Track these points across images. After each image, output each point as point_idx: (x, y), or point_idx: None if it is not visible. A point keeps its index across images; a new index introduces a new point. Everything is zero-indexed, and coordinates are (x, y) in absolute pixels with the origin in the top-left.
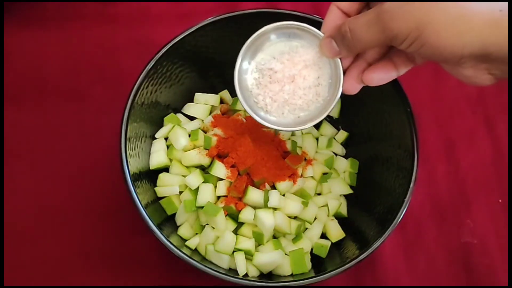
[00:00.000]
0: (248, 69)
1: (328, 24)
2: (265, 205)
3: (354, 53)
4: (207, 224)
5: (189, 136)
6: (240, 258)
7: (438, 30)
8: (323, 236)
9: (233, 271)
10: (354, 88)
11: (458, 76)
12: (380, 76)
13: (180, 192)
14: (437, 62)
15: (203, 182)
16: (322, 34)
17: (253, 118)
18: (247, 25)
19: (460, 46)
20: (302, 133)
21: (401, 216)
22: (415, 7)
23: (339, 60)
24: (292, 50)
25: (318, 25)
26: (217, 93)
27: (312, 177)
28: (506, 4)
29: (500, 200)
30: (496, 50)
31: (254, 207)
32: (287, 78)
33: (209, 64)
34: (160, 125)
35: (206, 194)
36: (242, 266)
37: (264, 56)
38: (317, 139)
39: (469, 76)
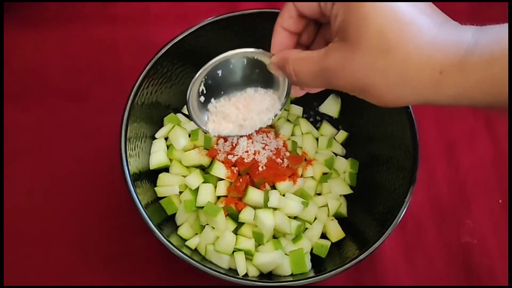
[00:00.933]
0: (202, 95)
1: (276, 45)
2: (265, 205)
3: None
4: (207, 224)
5: (189, 136)
6: (240, 258)
7: (381, 92)
8: (323, 236)
9: (233, 271)
10: (299, 94)
11: None
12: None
13: (180, 192)
14: None
15: (203, 182)
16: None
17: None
18: (247, 25)
19: (403, 103)
20: (302, 133)
21: (401, 216)
22: (356, 70)
23: None
24: (249, 97)
25: None
26: None
27: (312, 177)
28: (448, 63)
29: (500, 200)
30: (437, 103)
31: (254, 207)
32: (240, 119)
33: None
34: (160, 125)
35: (206, 194)
36: (242, 266)
37: (221, 99)
38: (317, 139)
39: None
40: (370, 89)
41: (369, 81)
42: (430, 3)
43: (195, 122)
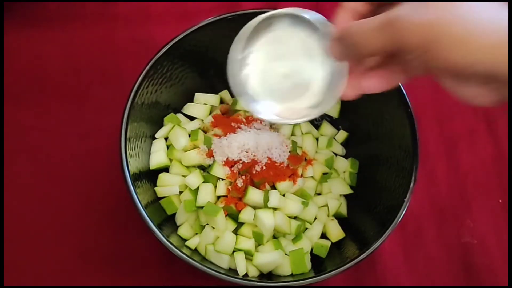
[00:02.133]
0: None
1: (338, 24)
2: (265, 205)
3: (358, 59)
4: (207, 224)
5: (189, 136)
6: (240, 258)
7: (449, 46)
8: (323, 236)
9: (233, 271)
10: (351, 94)
11: (460, 95)
12: (376, 85)
13: (180, 192)
14: (437, 78)
15: (203, 182)
16: (327, 28)
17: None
18: None
19: (470, 63)
20: (302, 133)
21: (401, 216)
22: (428, 18)
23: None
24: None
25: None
26: (217, 93)
27: (312, 177)
28: None
29: (500, 200)
30: (504, 72)
31: (254, 207)
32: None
33: (209, 64)
34: (160, 125)
35: (206, 194)
36: (242, 266)
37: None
38: (317, 139)
39: (471, 96)
40: (439, 41)
41: (439, 31)
42: None
43: (235, 92)
